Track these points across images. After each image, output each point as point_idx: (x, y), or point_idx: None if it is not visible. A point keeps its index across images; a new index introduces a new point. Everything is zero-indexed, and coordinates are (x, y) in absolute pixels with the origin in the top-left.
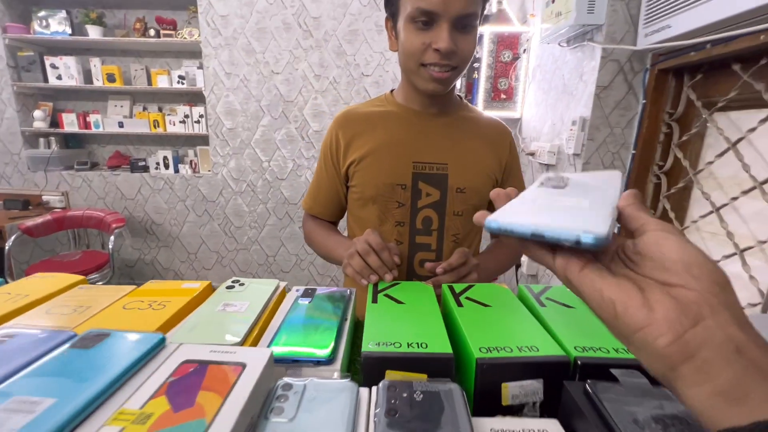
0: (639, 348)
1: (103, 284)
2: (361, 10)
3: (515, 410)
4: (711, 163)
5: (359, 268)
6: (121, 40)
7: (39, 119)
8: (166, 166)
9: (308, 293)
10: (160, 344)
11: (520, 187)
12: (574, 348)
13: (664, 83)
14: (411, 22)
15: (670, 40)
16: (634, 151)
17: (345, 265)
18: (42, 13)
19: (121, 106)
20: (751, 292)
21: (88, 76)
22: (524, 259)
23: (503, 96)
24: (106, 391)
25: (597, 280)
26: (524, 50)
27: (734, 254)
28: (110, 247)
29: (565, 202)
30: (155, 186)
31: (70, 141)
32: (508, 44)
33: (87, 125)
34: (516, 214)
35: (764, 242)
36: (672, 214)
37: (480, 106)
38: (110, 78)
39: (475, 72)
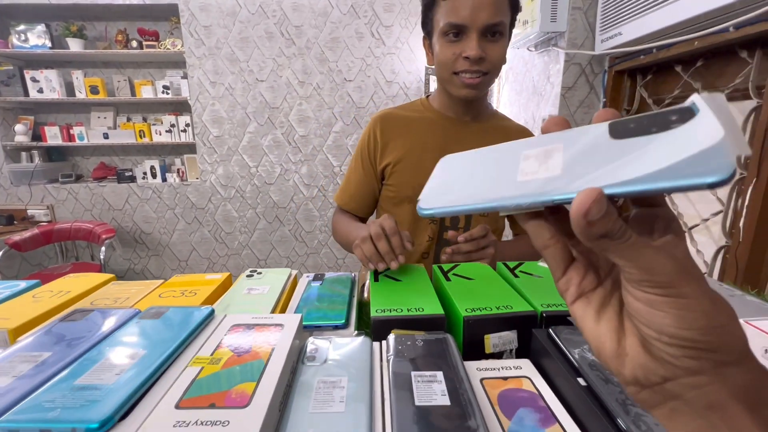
0: None
1: None
2: (341, 19)
3: (496, 356)
4: None
5: (369, 253)
6: (102, 52)
7: (20, 133)
8: (154, 176)
9: (318, 277)
10: (211, 315)
11: None
12: (540, 305)
13: (621, 83)
14: (443, 36)
15: (622, 46)
16: None
17: (355, 246)
18: (20, 27)
19: (105, 118)
20: (698, 266)
21: (70, 89)
22: None
23: None
24: (181, 346)
25: (579, 317)
26: None
27: (683, 232)
28: (101, 257)
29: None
30: (143, 196)
31: (53, 154)
32: None
33: (71, 137)
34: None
35: (707, 220)
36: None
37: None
38: (93, 90)
39: None
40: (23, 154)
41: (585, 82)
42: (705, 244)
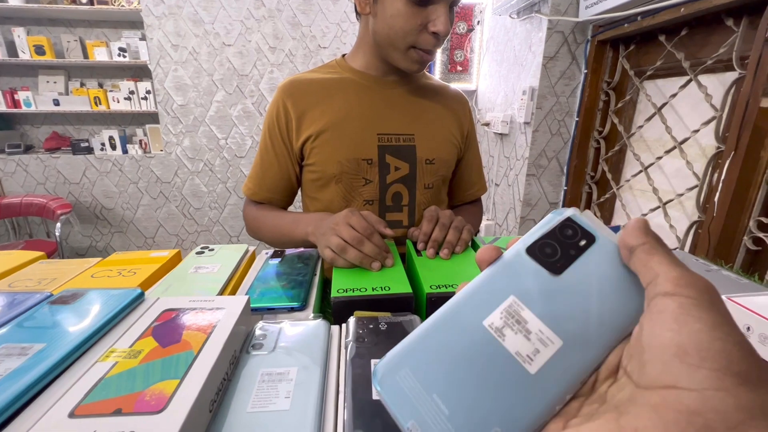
0: None
1: None
2: None
3: None
4: (641, 127)
5: (358, 260)
6: (47, 7)
7: None
8: (113, 147)
9: (278, 254)
10: (139, 298)
11: (477, 158)
12: None
13: (603, 54)
14: None
15: (606, 12)
16: (577, 119)
17: (333, 258)
18: None
19: (55, 82)
20: (671, 240)
21: (11, 48)
22: (482, 224)
23: (459, 68)
24: (93, 336)
25: None
26: (478, 22)
27: (658, 207)
28: (57, 235)
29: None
30: (102, 168)
31: None
32: (463, 15)
33: (16, 104)
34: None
35: (681, 195)
36: (609, 175)
37: (438, 78)
38: (39, 50)
39: None
40: None
41: (567, 51)
42: (678, 218)
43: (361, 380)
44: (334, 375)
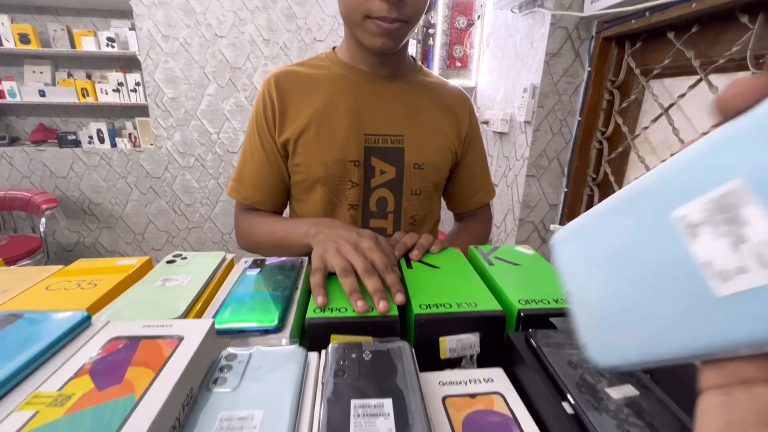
0: None
1: None
2: None
3: (453, 363)
4: (646, 128)
5: (351, 289)
6: None
7: None
8: (101, 140)
9: (257, 263)
10: (84, 323)
11: (482, 161)
12: (518, 301)
13: (608, 51)
14: None
15: (613, 7)
16: (579, 118)
17: (318, 271)
18: None
19: (41, 72)
20: None
21: None
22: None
23: (458, 64)
24: (17, 375)
25: None
26: (478, 16)
27: None
28: (42, 230)
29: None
30: (90, 162)
31: None
32: (463, 10)
33: (0, 94)
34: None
35: None
36: (612, 178)
37: (436, 73)
38: (23, 39)
39: (431, 38)
40: None
41: (570, 48)
42: None
43: (338, 427)
44: (308, 419)
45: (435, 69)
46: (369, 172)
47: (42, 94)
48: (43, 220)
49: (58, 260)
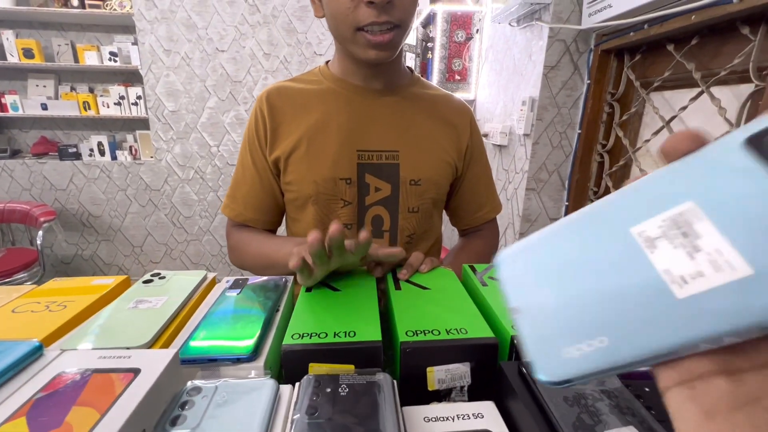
0: None
1: (31, 284)
2: None
3: (443, 395)
4: (648, 141)
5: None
6: (38, 10)
7: None
8: (102, 153)
9: (238, 284)
10: (34, 354)
11: (486, 174)
12: (512, 326)
13: (607, 64)
14: None
15: (611, 20)
16: (579, 131)
17: (296, 266)
18: None
19: (44, 86)
20: None
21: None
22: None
23: (458, 77)
24: None
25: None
26: (477, 30)
27: None
28: (39, 243)
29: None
30: (90, 175)
31: None
32: (461, 24)
33: (2, 107)
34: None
35: None
36: (613, 191)
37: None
38: (27, 54)
39: (429, 52)
40: None
41: (569, 60)
42: None
43: None
44: None
45: (434, 82)
46: (363, 190)
47: (44, 107)
48: (40, 232)
49: (56, 273)
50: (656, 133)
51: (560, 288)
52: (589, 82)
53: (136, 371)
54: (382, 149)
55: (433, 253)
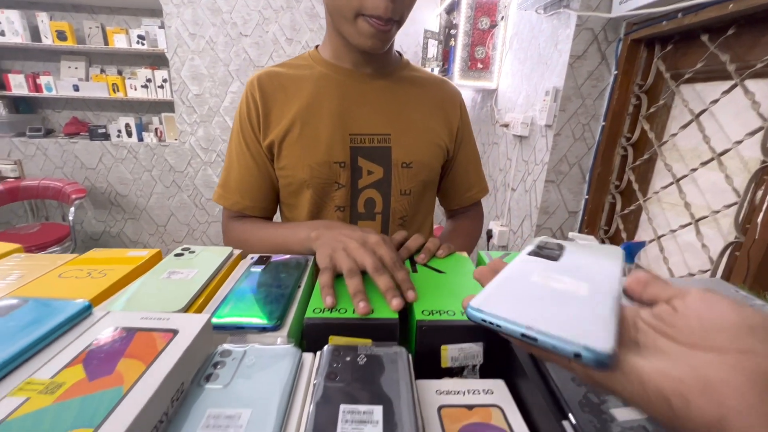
0: None
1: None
2: None
3: (455, 372)
4: (675, 135)
5: (357, 289)
6: None
7: None
8: (129, 134)
9: (262, 260)
10: (85, 312)
11: (474, 156)
12: None
13: (636, 54)
14: None
15: (644, 8)
16: (603, 123)
17: (326, 270)
18: None
19: (76, 68)
20: (702, 260)
21: (35, 33)
22: (496, 230)
23: (480, 65)
24: (13, 361)
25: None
26: (502, 17)
27: (690, 224)
28: (70, 219)
29: (562, 288)
30: (118, 155)
31: (20, 105)
32: (486, 11)
33: (37, 88)
34: (503, 303)
35: (717, 212)
36: (636, 186)
37: (456, 75)
38: (61, 36)
39: (452, 39)
40: None
41: (596, 50)
42: (712, 238)
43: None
44: (296, 421)
45: (456, 70)
46: (356, 173)
47: (76, 88)
48: (72, 209)
49: (85, 248)
50: (684, 126)
51: (523, 295)
52: (616, 72)
53: (174, 332)
54: (374, 132)
55: (426, 235)
